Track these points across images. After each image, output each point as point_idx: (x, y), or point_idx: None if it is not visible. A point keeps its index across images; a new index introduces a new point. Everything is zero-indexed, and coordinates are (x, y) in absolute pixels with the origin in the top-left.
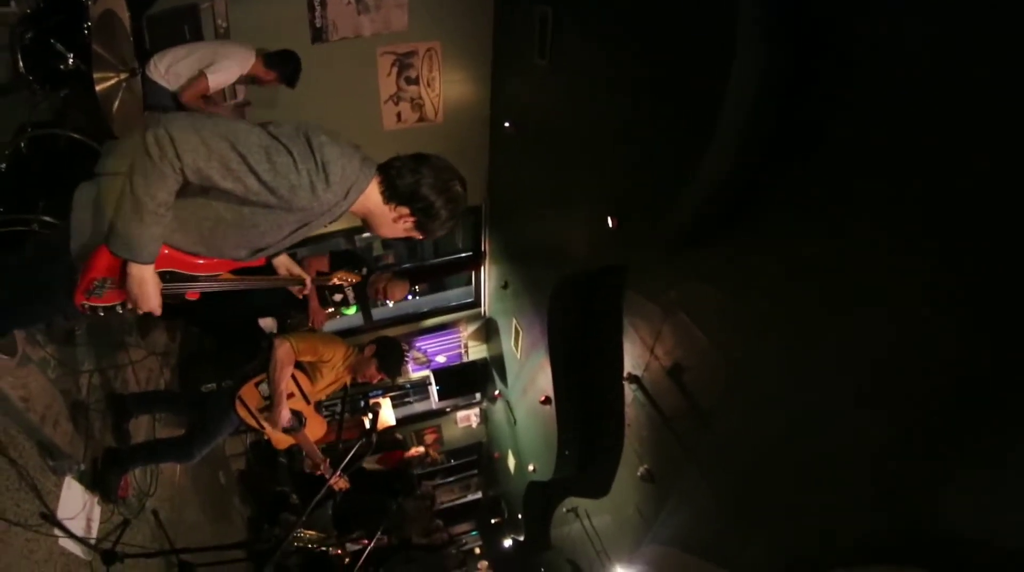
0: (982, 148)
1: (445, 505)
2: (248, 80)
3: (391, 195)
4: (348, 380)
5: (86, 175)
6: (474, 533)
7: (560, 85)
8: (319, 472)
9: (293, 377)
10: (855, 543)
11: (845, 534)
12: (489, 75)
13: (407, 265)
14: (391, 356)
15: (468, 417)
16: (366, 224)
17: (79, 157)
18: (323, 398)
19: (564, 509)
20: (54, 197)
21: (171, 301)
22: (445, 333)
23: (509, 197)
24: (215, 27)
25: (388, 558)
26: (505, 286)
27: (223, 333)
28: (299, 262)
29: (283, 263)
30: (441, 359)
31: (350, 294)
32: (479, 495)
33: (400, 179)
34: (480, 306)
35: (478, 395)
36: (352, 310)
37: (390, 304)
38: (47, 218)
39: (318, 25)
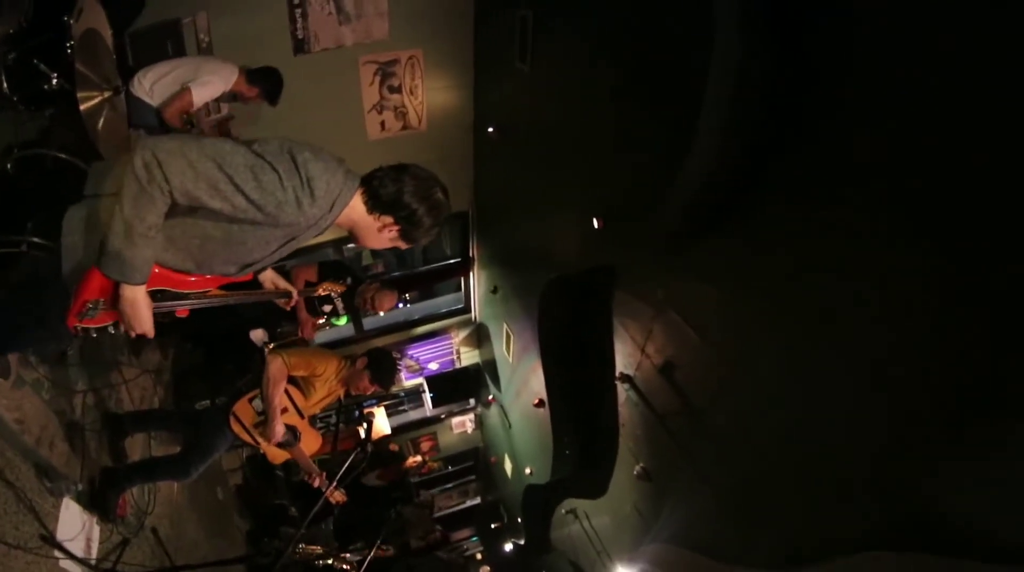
0: (978, 140)
1: (444, 512)
2: (231, 97)
3: (374, 205)
4: (341, 393)
5: (74, 194)
6: (475, 539)
7: (542, 88)
8: (316, 484)
9: (286, 392)
10: (854, 534)
11: (844, 524)
12: (472, 81)
13: (396, 273)
14: (383, 367)
15: (463, 423)
16: (352, 236)
17: (66, 176)
18: (317, 412)
19: (563, 511)
20: (43, 217)
21: (162, 319)
22: (437, 340)
23: (496, 202)
24: (197, 42)
25: (389, 568)
26: (495, 291)
27: (214, 347)
28: (287, 273)
29: (269, 277)
30: (434, 366)
31: (339, 304)
32: (478, 500)
33: (383, 189)
34: (471, 312)
35: (472, 400)
36: (343, 321)
37: (381, 314)
38: (36, 239)
39: (300, 36)
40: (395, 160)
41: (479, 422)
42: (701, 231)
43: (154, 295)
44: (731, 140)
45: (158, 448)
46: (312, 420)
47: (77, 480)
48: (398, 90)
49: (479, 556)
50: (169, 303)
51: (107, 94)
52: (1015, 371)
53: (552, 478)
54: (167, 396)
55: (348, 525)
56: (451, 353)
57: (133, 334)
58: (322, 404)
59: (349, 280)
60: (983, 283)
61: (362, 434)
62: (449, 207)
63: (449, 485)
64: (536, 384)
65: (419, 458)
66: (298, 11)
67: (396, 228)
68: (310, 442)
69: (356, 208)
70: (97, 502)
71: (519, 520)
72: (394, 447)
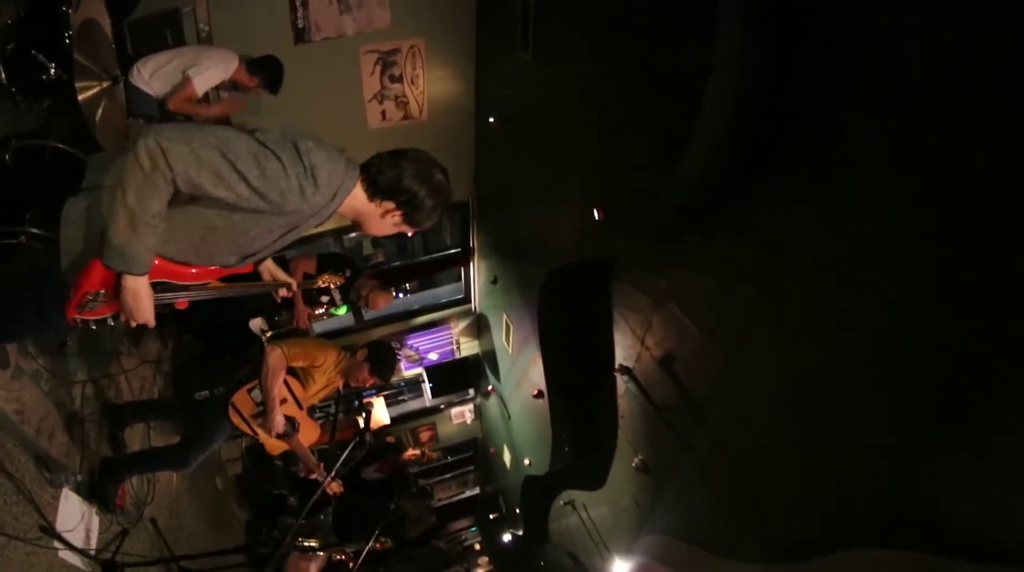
0: (980, 136)
1: (443, 502)
2: (231, 86)
3: (375, 191)
4: (340, 384)
5: (73, 185)
6: (473, 529)
7: (544, 78)
8: (313, 477)
9: (285, 382)
10: (853, 529)
11: (844, 520)
12: (473, 70)
13: (396, 263)
14: (383, 359)
15: (462, 413)
16: (356, 225)
17: (65, 167)
18: (316, 403)
19: (561, 502)
20: (41, 208)
21: (161, 310)
22: (436, 330)
23: (496, 192)
24: (197, 31)
25: (387, 557)
26: (495, 281)
27: (213, 337)
28: (286, 263)
29: (267, 269)
30: (433, 356)
31: (337, 295)
32: (477, 491)
33: (381, 175)
34: (470, 302)
35: (471, 391)
36: (343, 310)
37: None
38: (35, 230)
39: (300, 26)
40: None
41: (478, 412)
42: (702, 222)
43: (155, 287)
44: (733, 131)
45: (157, 438)
46: (311, 410)
47: (76, 471)
48: (399, 79)
49: (477, 546)
50: (169, 294)
51: (106, 84)
52: (1016, 365)
53: (551, 469)
54: (166, 386)
55: (347, 517)
56: (451, 343)
57: (133, 324)
58: (321, 395)
59: (348, 272)
60: (984, 276)
61: (361, 424)
62: (450, 188)
63: (448, 475)
64: (535, 375)
65: (418, 451)
66: (298, 0)
67: (398, 213)
68: (309, 433)
69: (358, 197)
70: (96, 492)
71: (517, 511)
72: (391, 439)
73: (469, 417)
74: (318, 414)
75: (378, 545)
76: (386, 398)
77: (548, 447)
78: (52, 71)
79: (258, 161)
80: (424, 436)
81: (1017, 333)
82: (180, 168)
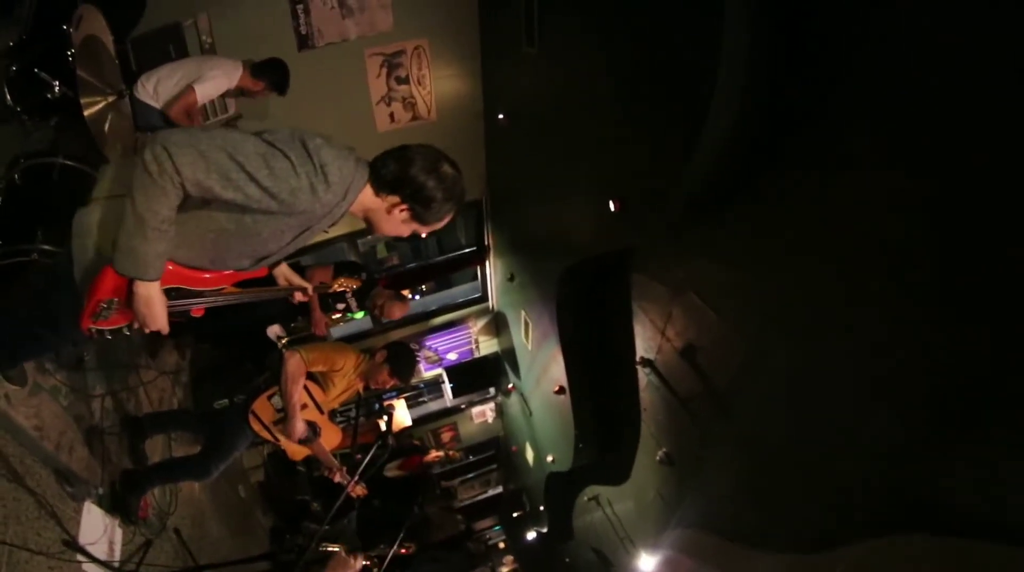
0: (984, 130)
1: (466, 502)
2: (237, 93)
3: (380, 185)
4: (360, 387)
5: (83, 201)
6: (497, 528)
7: (551, 71)
8: (336, 479)
9: (305, 388)
10: (882, 516)
11: (872, 507)
12: (479, 68)
13: (411, 265)
14: (403, 361)
15: (484, 412)
16: (368, 225)
17: (74, 183)
18: (336, 407)
19: (585, 498)
20: (52, 226)
21: (177, 318)
22: (455, 330)
23: (509, 189)
24: (200, 43)
25: (412, 559)
26: (511, 279)
27: (231, 346)
28: (303, 272)
29: (283, 273)
30: (452, 356)
31: (352, 302)
32: (500, 490)
33: (385, 168)
34: (488, 301)
35: (492, 389)
36: (360, 314)
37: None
38: (47, 247)
39: (303, 32)
40: None
41: (499, 411)
42: (718, 210)
43: (168, 293)
44: (747, 118)
45: (178, 449)
46: (332, 414)
47: (98, 484)
48: (405, 81)
49: (502, 545)
50: (184, 301)
51: (111, 98)
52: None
53: (574, 465)
54: (185, 397)
55: (371, 522)
56: (469, 343)
57: (147, 330)
58: (341, 398)
59: (364, 275)
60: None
61: (383, 427)
62: (461, 181)
63: (471, 475)
64: (556, 371)
65: (441, 453)
66: (300, 7)
67: (404, 207)
68: (330, 437)
69: (368, 195)
70: (118, 505)
71: (541, 508)
72: (417, 442)
73: (490, 416)
74: (339, 419)
75: (403, 551)
76: (407, 400)
77: (571, 443)
78: (56, 89)
79: (267, 161)
80: (446, 436)
81: None
82: (188, 172)
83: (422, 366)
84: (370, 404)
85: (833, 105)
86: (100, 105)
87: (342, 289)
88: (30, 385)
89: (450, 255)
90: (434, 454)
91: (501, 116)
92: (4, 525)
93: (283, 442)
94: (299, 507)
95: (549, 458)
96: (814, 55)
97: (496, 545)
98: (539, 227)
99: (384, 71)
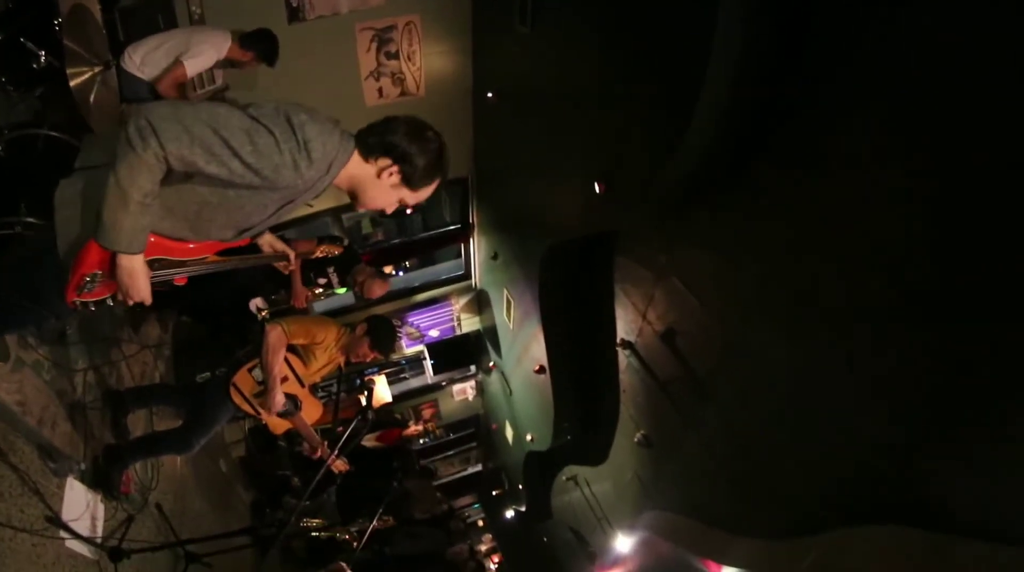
0: (981, 121)
1: (446, 479)
2: (226, 64)
3: (367, 150)
4: (342, 361)
5: (67, 173)
6: (476, 506)
7: (543, 51)
8: (317, 455)
9: (286, 360)
10: (859, 504)
11: (848, 494)
12: (470, 45)
13: (395, 241)
14: (383, 334)
15: (464, 390)
16: (354, 198)
17: (59, 155)
18: (318, 380)
19: (564, 478)
20: (36, 198)
21: (159, 288)
22: (437, 307)
23: (496, 167)
24: (189, 14)
25: (392, 536)
26: (495, 257)
27: (213, 319)
28: (287, 244)
29: (267, 240)
30: (434, 333)
31: (334, 278)
32: (479, 467)
33: (371, 136)
34: (471, 278)
35: (473, 367)
36: (343, 290)
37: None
38: (30, 219)
39: (294, 4)
40: None
41: (480, 389)
42: (703, 196)
43: (152, 264)
44: (736, 105)
45: (160, 423)
46: (313, 389)
47: (80, 459)
48: (395, 56)
49: (481, 523)
50: (166, 271)
51: (97, 69)
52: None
53: (553, 444)
54: (167, 371)
55: (350, 496)
56: (451, 320)
57: (131, 302)
58: (322, 372)
59: (345, 241)
60: (986, 250)
61: (363, 402)
62: (446, 151)
63: (451, 452)
64: (537, 350)
65: (420, 427)
66: None
67: (395, 169)
68: (311, 411)
69: (354, 163)
70: (101, 480)
71: (520, 487)
72: (399, 415)
73: (471, 394)
74: (320, 394)
75: (380, 524)
76: (388, 376)
77: (550, 422)
78: (43, 59)
79: (251, 137)
80: (426, 413)
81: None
82: (172, 146)
83: (404, 342)
84: (351, 379)
85: (826, 94)
86: (86, 76)
87: (324, 254)
88: (12, 360)
89: (434, 232)
90: (413, 428)
91: (490, 95)
92: None
93: (264, 415)
94: (280, 482)
95: (528, 437)
96: (807, 43)
97: (475, 523)
98: (524, 206)
99: (374, 46)
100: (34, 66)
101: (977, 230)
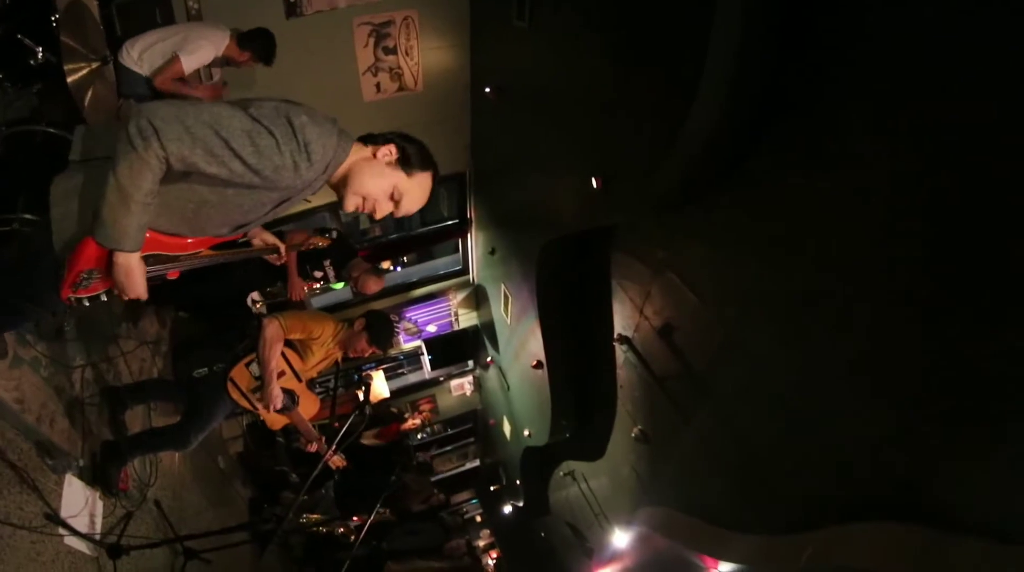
0: (979, 111)
1: (444, 474)
2: (223, 62)
3: (368, 140)
4: (339, 356)
5: (64, 169)
6: (474, 501)
7: (541, 46)
8: (314, 449)
9: (283, 355)
10: (855, 500)
11: (845, 491)
12: (468, 40)
13: (393, 236)
14: (381, 329)
15: (462, 385)
16: (342, 188)
17: (56, 151)
18: (315, 376)
19: (561, 473)
20: (33, 195)
21: (153, 282)
22: (435, 302)
23: (493, 163)
24: (187, 9)
25: (390, 531)
26: (492, 252)
27: (211, 315)
28: (282, 237)
29: (256, 233)
30: (432, 328)
31: (330, 272)
32: (477, 463)
33: (371, 136)
34: (468, 273)
35: (471, 363)
36: (340, 285)
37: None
38: (28, 216)
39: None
40: (391, 122)
41: (478, 384)
42: (700, 192)
43: (146, 259)
44: (733, 101)
45: (158, 419)
46: (311, 384)
47: (79, 456)
48: (393, 51)
49: (479, 518)
50: (161, 266)
51: (94, 65)
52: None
53: (550, 440)
54: (165, 366)
55: (348, 491)
56: (449, 315)
57: (125, 298)
58: (319, 367)
59: (334, 233)
60: (985, 247)
61: (361, 397)
62: (436, 164)
63: (448, 448)
64: (534, 346)
65: (418, 421)
66: None
67: (392, 147)
68: (308, 406)
69: (352, 154)
70: (99, 477)
71: (518, 482)
72: (395, 410)
73: (468, 389)
74: (318, 389)
75: (378, 516)
76: (385, 371)
77: (548, 418)
78: (40, 55)
79: (252, 138)
80: (424, 409)
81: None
82: (173, 147)
83: (401, 337)
84: (349, 375)
85: (825, 90)
86: (83, 72)
87: (310, 247)
88: (10, 357)
89: (432, 227)
90: (411, 421)
91: (488, 89)
92: None
93: (261, 411)
94: (278, 477)
95: (526, 432)
96: (807, 41)
97: (473, 518)
98: (522, 202)
99: (372, 41)
100: (31, 62)
101: (977, 226)
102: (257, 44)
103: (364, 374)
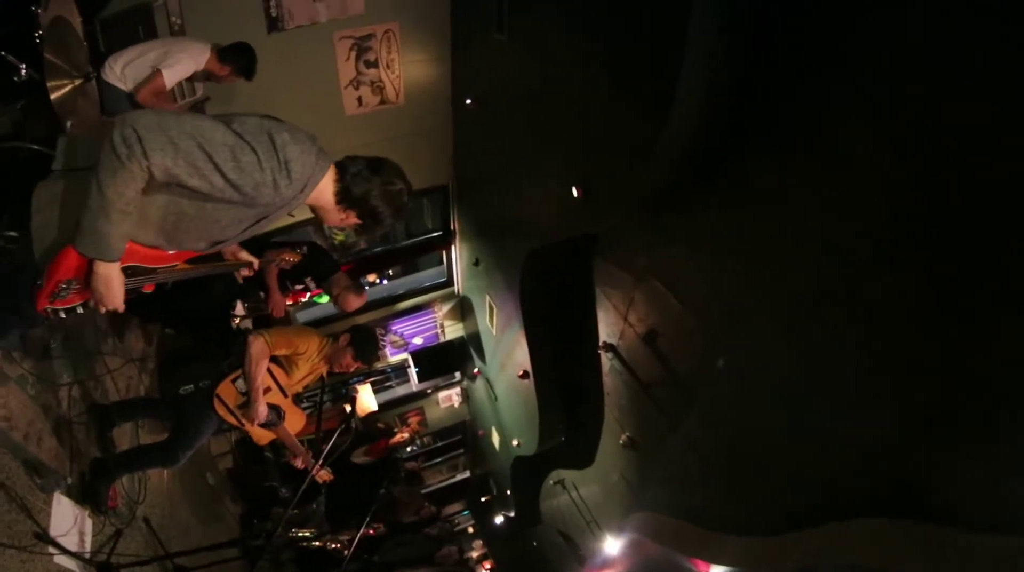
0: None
1: (434, 487)
2: (204, 76)
3: (343, 199)
4: (325, 371)
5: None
6: (466, 512)
7: (520, 58)
8: (300, 465)
9: (269, 371)
10: (842, 500)
11: (833, 491)
12: (449, 53)
13: (377, 249)
14: (365, 343)
15: (450, 397)
16: (313, 211)
17: (40, 168)
18: (300, 390)
19: (551, 482)
20: (17, 211)
21: (128, 295)
22: (420, 314)
23: (476, 174)
24: (169, 25)
25: (381, 544)
26: (476, 263)
27: (196, 331)
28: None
29: (230, 249)
30: (418, 341)
31: (311, 284)
32: (467, 474)
33: (355, 187)
34: (453, 285)
35: (458, 374)
36: (325, 298)
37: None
38: (11, 233)
39: (273, 14)
40: (373, 135)
41: (465, 395)
42: (680, 199)
43: (124, 271)
44: (710, 107)
45: (146, 436)
46: (297, 399)
47: (67, 474)
48: (375, 65)
49: (471, 530)
50: (139, 278)
51: (78, 82)
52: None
53: (539, 449)
54: (152, 384)
55: (338, 505)
56: (435, 327)
57: (103, 310)
58: (305, 382)
59: (305, 249)
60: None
61: (348, 411)
62: (406, 197)
63: (438, 459)
64: (520, 355)
65: (406, 434)
66: None
67: (358, 222)
68: (295, 421)
69: (324, 191)
70: (88, 495)
71: (509, 492)
72: (382, 425)
73: (456, 400)
74: (305, 404)
75: (371, 531)
76: (373, 385)
77: (536, 427)
78: (23, 72)
79: (234, 154)
80: (413, 421)
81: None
82: (156, 157)
83: (388, 351)
84: (336, 389)
85: (804, 88)
86: (67, 88)
87: (285, 261)
88: None
89: (416, 239)
90: (400, 435)
91: (469, 101)
92: None
93: (248, 426)
94: (268, 493)
95: (515, 442)
96: (781, 43)
97: (465, 529)
98: (505, 212)
99: (353, 55)
100: (14, 79)
101: (960, 223)
102: (238, 58)
103: (350, 388)
